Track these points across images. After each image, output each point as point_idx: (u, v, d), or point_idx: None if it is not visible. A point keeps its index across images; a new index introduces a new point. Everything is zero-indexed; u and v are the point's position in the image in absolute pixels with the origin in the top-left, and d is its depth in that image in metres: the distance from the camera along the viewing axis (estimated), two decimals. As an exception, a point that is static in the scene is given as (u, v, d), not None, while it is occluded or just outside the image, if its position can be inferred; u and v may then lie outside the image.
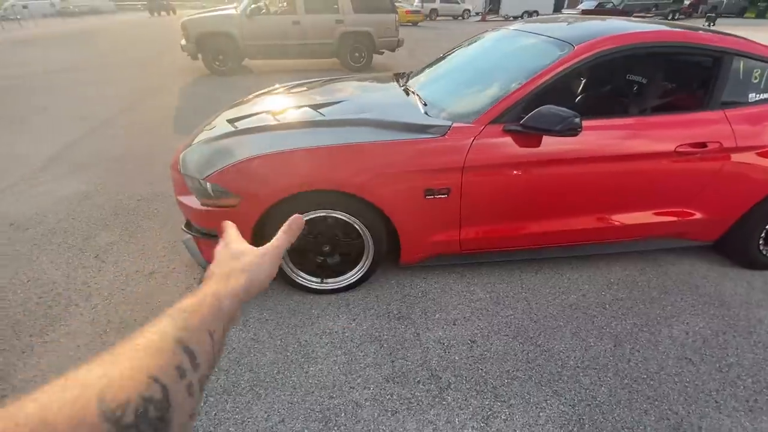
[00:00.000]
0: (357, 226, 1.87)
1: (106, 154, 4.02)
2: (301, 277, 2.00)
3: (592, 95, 2.58)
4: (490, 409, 1.50)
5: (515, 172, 1.80)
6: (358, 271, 2.02)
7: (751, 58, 1.89)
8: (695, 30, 1.96)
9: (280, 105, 2.27)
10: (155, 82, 7.50)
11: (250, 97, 2.67)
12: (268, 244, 0.44)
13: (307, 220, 1.84)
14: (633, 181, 1.89)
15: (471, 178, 1.78)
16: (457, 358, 1.72)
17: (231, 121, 2.16)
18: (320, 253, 1.95)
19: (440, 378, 1.63)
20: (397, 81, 2.53)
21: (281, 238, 0.45)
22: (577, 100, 2.45)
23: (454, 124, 1.79)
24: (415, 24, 21.91)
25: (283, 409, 1.51)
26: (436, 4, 28.05)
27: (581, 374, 1.64)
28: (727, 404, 1.53)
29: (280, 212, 1.77)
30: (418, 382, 1.61)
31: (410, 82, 2.48)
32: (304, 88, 2.61)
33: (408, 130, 1.80)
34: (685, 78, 2.11)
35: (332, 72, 7.68)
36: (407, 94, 2.27)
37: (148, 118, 5.29)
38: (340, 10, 7.81)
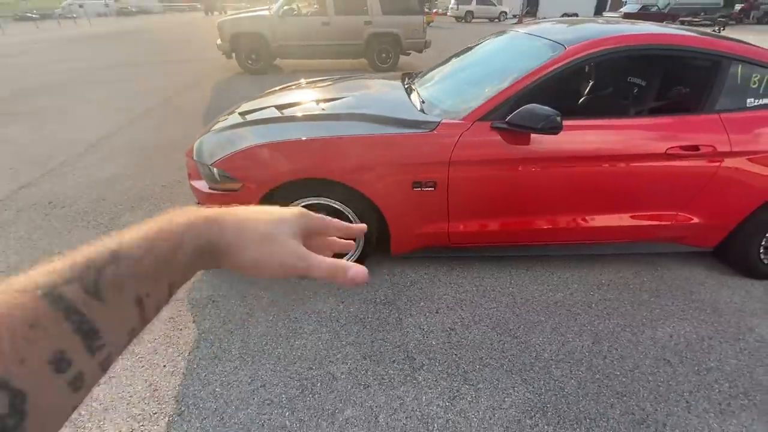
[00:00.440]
0: (348, 215, 1.99)
1: (139, 143, 4.35)
2: (297, 260, 2.14)
3: (584, 96, 2.58)
4: (458, 391, 1.58)
5: (502, 168, 1.86)
6: (350, 257, 2.14)
7: (749, 63, 1.85)
8: (694, 34, 1.94)
9: (288, 100, 2.42)
10: (192, 78, 7.95)
11: (266, 92, 2.86)
12: (316, 261, 0.35)
13: (303, 206, 1.98)
14: (622, 182, 1.90)
15: (457, 172, 1.86)
16: (434, 343, 1.80)
17: (242, 114, 2.33)
18: (314, 238, 2.08)
19: (414, 359, 1.71)
20: (403, 81, 2.63)
21: (326, 270, 0.35)
22: (568, 100, 2.46)
23: (443, 121, 1.87)
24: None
25: (266, 375, 1.65)
26: (472, 6, 27.86)
27: (553, 366, 1.68)
28: (698, 405, 1.53)
29: (278, 197, 1.91)
30: (393, 361, 1.71)
31: (416, 82, 2.58)
32: (315, 85, 2.76)
33: (399, 125, 1.90)
34: (679, 81, 2.09)
35: (358, 72, 7.86)
36: (410, 93, 2.37)
37: (180, 111, 5.65)
38: (368, 12, 7.98)
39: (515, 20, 26.04)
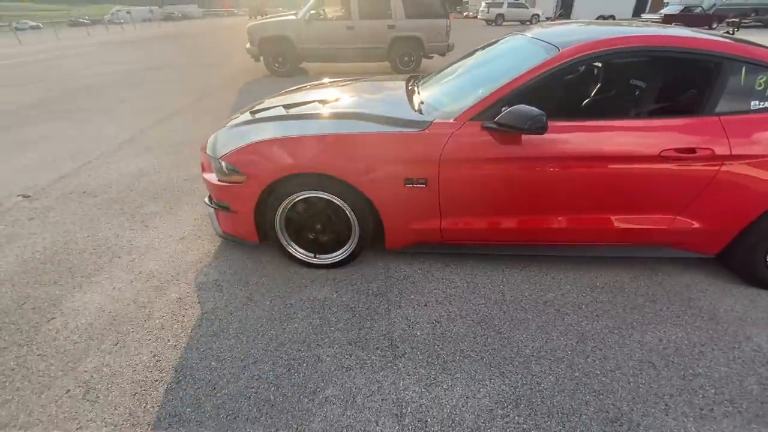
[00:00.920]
0: (344, 208, 2.09)
1: (169, 140, 4.65)
2: (297, 250, 2.27)
3: (578, 97, 2.57)
4: (435, 379, 1.64)
5: (492, 167, 1.91)
6: (346, 250, 2.24)
7: (754, 64, 1.81)
8: (695, 35, 1.91)
9: (296, 100, 2.56)
10: (222, 80, 8.36)
11: (281, 93, 3.02)
12: None
13: (302, 199, 2.10)
14: (614, 183, 1.90)
15: (448, 170, 1.92)
16: (418, 333, 1.87)
17: (253, 112, 2.49)
18: (313, 230, 2.20)
19: (398, 347, 1.79)
20: (408, 83, 2.71)
21: None
22: (564, 101, 2.45)
23: (436, 120, 1.94)
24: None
25: (258, 354, 1.77)
26: (503, 9, 27.54)
27: (533, 362, 1.71)
28: (677, 409, 1.51)
29: (278, 189, 2.04)
30: (377, 348, 1.79)
31: (420, 84, 2.66)
32: (325, 87, 2.89)
33: (392, 123, 1.98)
34: (678, 83, 2.05)
35: (382, 74, 8.00)
36: (412, 94, 2.45)
37: (209, 110, 5.97)
38: (392, 16, 8.12)
39: (548, 23, 25.48)
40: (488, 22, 26.93)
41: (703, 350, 1.78)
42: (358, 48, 8.29)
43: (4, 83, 8.95)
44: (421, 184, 1.96)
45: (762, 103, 1.85)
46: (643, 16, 23.47)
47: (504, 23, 26.61)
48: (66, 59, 13.26)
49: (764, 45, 1.96)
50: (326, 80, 3.16)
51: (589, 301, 2.06)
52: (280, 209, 2.11)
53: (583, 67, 2.99)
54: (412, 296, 2.10)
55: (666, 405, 1.53)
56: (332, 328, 1.90)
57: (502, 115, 1.78)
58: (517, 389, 1.59)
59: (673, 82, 2.08)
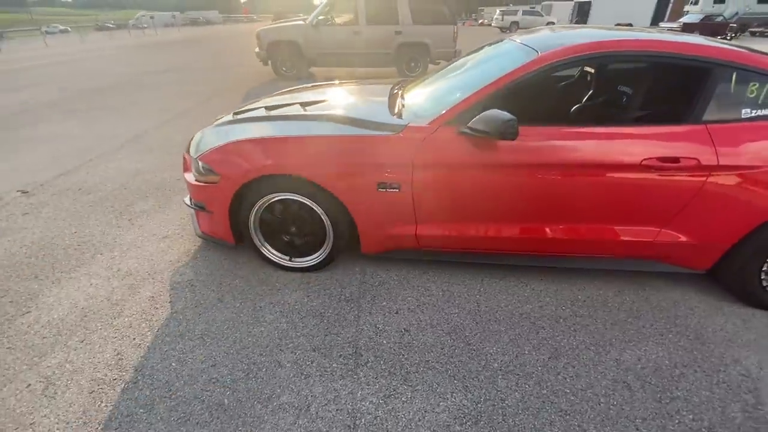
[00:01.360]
0: (318, 211, 2.06)
1: (171, 140, 4.72)
2: (271, 252, 2.24)
3: (562, 103, 2.48)
4: (395, 390, 1.58)
5: (466, 173, 1.85)
6: (321, 253, 2.21)
7: (746, 70, 1.72)
8: (682, 39, 1.83)
9: (280, 101, 2.55)
10: (231, 83, 8.49)
11: (274, 94, 3.02)
12: None
13: (279, 201, 2.08)
14: (593, 192, 1.82)
15: (421, 175, 1.87)
16: (385, 342, 1.81)
17: (235, 113, 2.50)
18: (288, 233, 2.17)
19: (361, 356, 1.74)
20: (394, 87, 2.68)
21: None
22: (545, 106, 2.37)
23: (410, 124, 1.90)
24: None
25: (220, 356, 1.74)
26: (518, 17, 27.40)
27: (500, 377, 1.64)
28: (648, 433, 1.42)
29: (251, 190, 2.03)
30: (340, 356, 1.74)
31: (405, 88, 2.62)
32: (314, 89, 2.88)
33: (365, 126, 1.95)
34: (662, 89, 1.96)
35: (389, 79, 8.00)
36: (395, 98, 2.41)
37: (214, 111, 6.04)
38: (399, 22, 8.13)
39: (564, 31, 25.16)
40: (502, 29, 26.79)
41: (685, 372, 1.68)
42: (365, 53, 8.32)
43: (26, 83, 9.28)
44: (394, 188, 1.91)
45: (754, 111, 1.75)
46: (662, 24, 22.98)
47: (518, 31, 26.46)
48: (85, 62, 13.71)
49: (760, 51, 1.87)
50: (318, 83, 3.15)
51: (568, 315, 1.97)
52: (254, 210, 2.09)
53: (577, 71, 2.91)
54: (384, 303, 2.05)
55: (636, 429, 1.44)
56: (298, 334, 1.86)
57: (474, 120, 1.73)
58: (479, 405, 1.52)
59: (659, 88, 1.99)
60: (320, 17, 8.15)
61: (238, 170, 1.99)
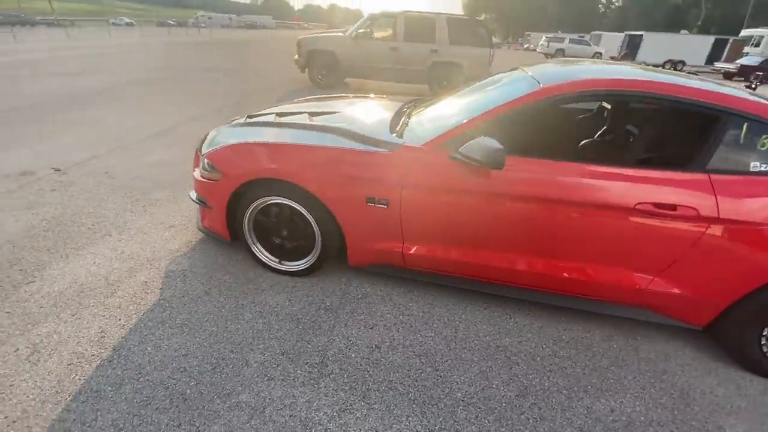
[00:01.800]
0: (309, 218, 2.11)
1: (198, 135, 4.95)
2: (262, 253, 2.31)
3: (566, 136, 2.42)
4: (351, 405, 1.58)
5: (454, 197, 1.85)
6: (308, 260, 2.25)
7: (760, 122, 1.64)
8: (692, 84, 1.76)
9: (293, 109, 2.65)
10: (267, 85, 8.84)
11: (293, 101, 3.14)
12: None
13: (272, 204, 2.15)
14: (584, 231, 1.77)
15: (410, 194, 1.89)
16: (353, 355, 1.82)
17: (249, 116, 2.61)
18: (279, 235, 2.23)
19: (327, 366, 1.75)
20: (404, 105, 2.72)
21: None
22: (545, 138, 2.33)
23: (405, 143, 1.93)
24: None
25: (193, 347, 1.80)
26: (564, 45, 27.10)
27: (460, 408, 1.60)
28: (604, 491, 1.35)
29: (248, 191, 2.11)
30: (307, 363, 1.76)
31: (416, 107, 2.65)
32: (330, 100, 2.97)
33: (363, 141, 1.99)
34: (668, 133, 1.88)
35: (414, 96, 8.09)
36: (401, 117, 2.44)
37: (245, 111, 6.30)
38: (436, 41, 8.23)
39: (610, 62, 24.58)
40: (547, 56, 26.53)
41: (659, 431, 1.58)
42: (399, 68, 8.45)
43: (84, 70, 10.03)
44: (382, 204, 1.94)
45: (764, 165, 1.66)
46: (717, 64, 22.01)
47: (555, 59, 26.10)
48: (138, 53, 14.67)
49: (780, 103, 1.78)
50: (335, 95, 3.25)
51: (547, 354, 1.91)
52: (249, 210, 2.17)
53: (596, 105, 2.85)
54: (362, 317, 2.06)
55: (592, 484, 1.37)
56: (271, 336, 1.90)
57: (464, 146, 1.74)
58: (432, 433, 1.49)
59: (664, 131, 1.92)
60: (360, 30, 8.39)
61: (237, 170, 2.08)
